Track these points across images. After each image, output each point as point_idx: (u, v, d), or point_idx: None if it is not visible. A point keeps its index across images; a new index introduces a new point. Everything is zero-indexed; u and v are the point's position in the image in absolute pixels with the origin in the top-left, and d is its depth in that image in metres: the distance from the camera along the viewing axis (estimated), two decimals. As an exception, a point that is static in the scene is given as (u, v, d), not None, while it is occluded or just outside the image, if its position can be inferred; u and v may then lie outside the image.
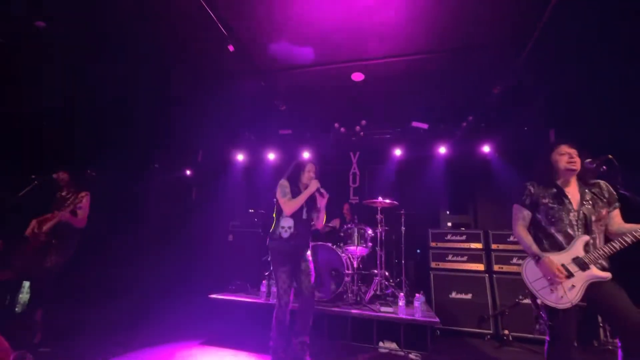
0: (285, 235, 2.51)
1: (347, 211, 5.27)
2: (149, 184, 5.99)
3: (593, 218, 2.13)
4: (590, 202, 2.16)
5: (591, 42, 3.16)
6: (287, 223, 2.50)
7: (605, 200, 2.17)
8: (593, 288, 2.05)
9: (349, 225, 4.42)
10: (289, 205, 2.50)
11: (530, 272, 2.16)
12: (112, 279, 4.94)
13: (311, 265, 2.54)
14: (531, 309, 3.77)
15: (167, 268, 5.48)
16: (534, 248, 2.19)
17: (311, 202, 2.67)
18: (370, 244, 4.39)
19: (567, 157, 2.19)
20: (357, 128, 5.68)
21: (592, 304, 2.04)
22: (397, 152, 5.81)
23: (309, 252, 2.60)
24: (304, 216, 2.59)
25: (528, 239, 2.21)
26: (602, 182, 2.20)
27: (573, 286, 2.04)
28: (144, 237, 5.59)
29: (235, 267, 5.09)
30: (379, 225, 4.48)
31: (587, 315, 3.10)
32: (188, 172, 6.59)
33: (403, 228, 4.65)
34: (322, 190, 2.59)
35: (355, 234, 4.31)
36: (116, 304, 4.50)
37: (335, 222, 5.12)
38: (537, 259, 2.14)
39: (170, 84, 4.47)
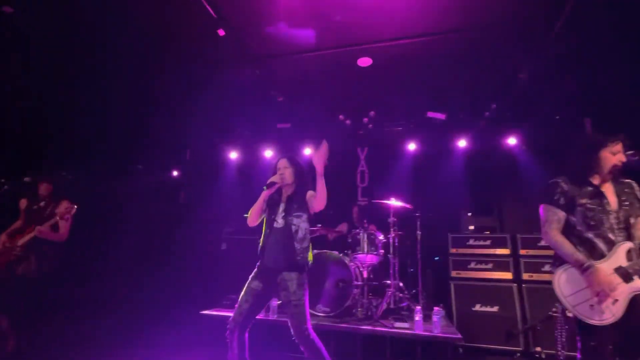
0: (259, 250, 2.46)
1: (356, 215, 5.25)
2: (131, 187, 6.02)
3: (631, 220, 2.09)
4: (627, 202, 2.12)
5: (636, 13, 3.07)
6: (263, 235, 2.49)
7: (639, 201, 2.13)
8: (631, 302, 2.00)
9: (357, 230, 4.41)
10: (249, 214, 2.45)
11: (565, 284, 2.07)
12: (91, 293, 4.95)
13: (304, 301, 2.28)
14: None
15: (153, 281, 5.49)
16: (579, 256, 2.08)
17: (290, 202, 2.47)
18: (381, 251, 4.39)
19: (619, 156, 2.13)
20: (365, 120, 5.68)
21: (623, 320, 1.97)
22: (411, 146, 5.80)
23: (293, 279, 2.31)
24: (278, 223, 2.43)
25: (568, 246, 2.11)
26: (631, 181, 2.17)
27: (616, 300, 1.98)
28: (126, 246, 5.61)
29: (229, 279, 5.10)
30: (392, 230, 4.47)
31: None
32: (175, 173, 6.62)
33: (419, 232, 4.64)
34: (273, 181, 2.43)
35: (365, 239, 4.30)
36: (96, 321, 4.51)
37: (343, 227, 5.14)
38: (585, 269, 2.04)
39: (153, 75, 4.46)
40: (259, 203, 2.48)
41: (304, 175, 2.59)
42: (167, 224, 6.08)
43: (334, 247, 4.81)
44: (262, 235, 2.51)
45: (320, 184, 2.35)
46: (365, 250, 4.27)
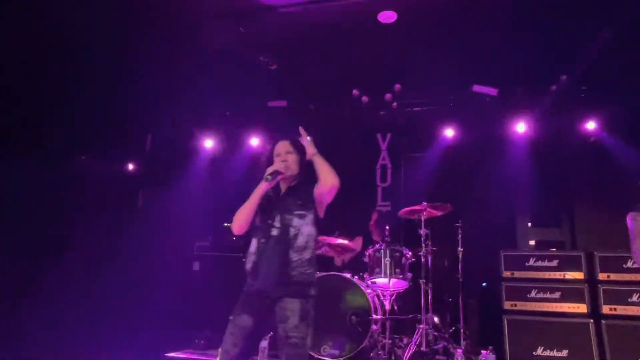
0: (248, 267, 2.44)
1: (374, 224, 5.27)
2: (72, 184, 5.93)
3: None
4: None
5: None
6: (251, 247, 2.47)
7: None
8: None
9: (378, 246, 4.42)
10: (235, 218, 2.49)
11: None
12: (14, 325, 4.90)
13: (308, 341, 2.31)
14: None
15: (100, 311, 5.41)
16: None
17: (292, 197, 2.50)
18: (409, 274, 4.40)
19: None
20: (388, 97, 5.65)
21: None
22: (449, 132, 5.76)
23: (295, 309, 2.32)
24: (275, 230, 2.44)
25: None
26: None
27: None
28: (65, 264, 5.48)
29: (204, 311, 5.08)
30: (424, 246, 4.49)
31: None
32: (131, 167, 6.58)
33: (460, 249, 4.65)
34: (273, 170, 2.46)
35: (387, 258, 4.31)
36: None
37: (357, 243, 5.13)
38: None
39: (102, 37, 4.40)
40: (253, 200, 2.45)
41: (309, 166, 2.56)
42: (117, 236, 6.01)
43: (344, 269, 4.73)
44: (253, 248, 2.46)
45: (320, 160, 2.45)
46: (388, 272, 4.26)
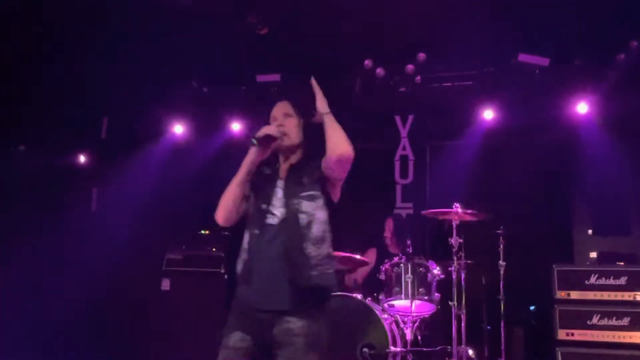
0: (239, 269, 2.41)
1: (391, 232, 5.33)
2: (5, 180, 5.96)
3: None
4: None
5: None
6: (243, 241, 2.45)
7: None
8: None
9: (396, 259, 4.46)
10: (220, 203, 2.50)
11: None
12: None
13: None
14: None
15: (42, 340, 5.49)
16: None
17: (296, 176, 2.47)
18: (437, 294, 4.42)
19: None
20: (409, 69, 5.65)
21: None
22: (488, 114, 5.76)
23: (303, 330, 2.20)
24: (275, 215, 2.39)
25: None
26: None
27: None
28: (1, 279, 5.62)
29: (178, 341, 5.13)
30: (455, 259, 4.49)
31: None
32: (83, 160, 6.60)
33: (502, 263, 4.68)
34: (269, 134, 2.40)
35: (409, 275, 4.33)
36: None
37: (371, 256, 5.18)
38: None
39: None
40: (240, 175, 2.43)
41: (317, 133, 2.48)
42: (62, 246, 6.03)
43: (357, 288, 4.73)
44: (245, 243, 2.41)
45: (331, 122, 2.38)
46: (410, 293, 4.27)
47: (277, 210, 2.36)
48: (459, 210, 4.43)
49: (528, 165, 5.52)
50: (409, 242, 4.60)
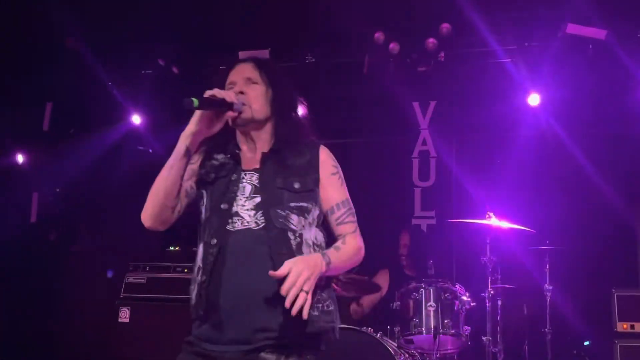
0: (193, 296, 2.30)
1: (407, 249, 5.35)
2: None
3: None
4: None
5: None
6: (197, 258, 2.31)
7: None
8: None
9: (415, 283, 4.46)
10: (148, 197, 2.33)
11: None
12: None
13: None
14: None
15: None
16: None
17: (278, 170, 2.33)
18: (466, 328, 4.41)
19: None
20: (430, 44, 5.59)
21: None
22: (533, 99, 5.72)
23: None
24: (244, 220, 2.24)
25: None
26: None
27: None
28: None
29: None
30: (489, 282, 4.47)
31: None
32: (21, 160, 6.57)
33: (549, 287, 4.65)
34: (211, 95, 2.15)
35: (431, 303, 4.33)
36: None
37: (383, 279, 5.20)
38: None
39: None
40: (175, 159, 2.26)
41: (290, 114, 2.43)
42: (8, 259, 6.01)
43: (366, 320, 4.69)
44: (199, 261, 2.28)
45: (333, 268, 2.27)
46: (433, 325, 4.26)
47: (248, 214, 2.24)
48: (494, 220, 4.39)
49: (582, 164, 5.47)
50: (430, 261, 4.57)
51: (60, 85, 6.25)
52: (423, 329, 4.28)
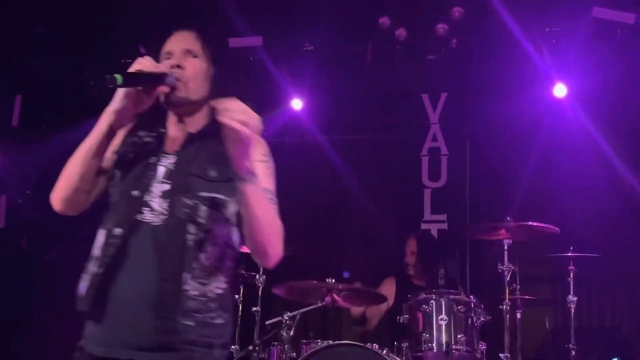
0: (82, 290, 2.19)
1: (415, 256, 5.34)
2: None
3: None
4: None
5: None
6: (95, 247, 2.21)
7: None
8: None
9: (424, 294, 4.47)
10: (60, 178, 2.24)
11: None
12: None
13: None
14: None
15: None
16: None
17: (196, 152, 2.25)
18: (481, 344, 4.44)
19: None
20: (440, 29, 5.61)
21: None
22: (559, 90, 5.71)
23: None
24: (150, 212, 2.17)
25: None
26: None
27: None
28: None
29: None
30: (507, 292, 4.45)
31: None
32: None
33: (573, 299, 4.63)
34: (154, 73, 2.11)
35: (443, 316, 4.34)
36: None
37: (388, 288, 5.25)
38: None
39: None
40: (94, 139, 2.20)
41: (235, 83, 2.32)
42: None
43: (370, 335, 4.69)
44: (98, 247, 2.20)
45: (256, 194, 2.09)
46: (445, 341, 4.27)
47: (157, 203, 2.17)
48: (512, 224, 4.39)
49: (612, 162, 5.47)
50: (441, 270, 4.56)
51: (30, 75, 6.24)
52: (434, 344, 4.27)
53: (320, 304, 4.63)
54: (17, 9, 5.48)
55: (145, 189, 2.16)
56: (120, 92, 2.10)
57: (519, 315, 4.54)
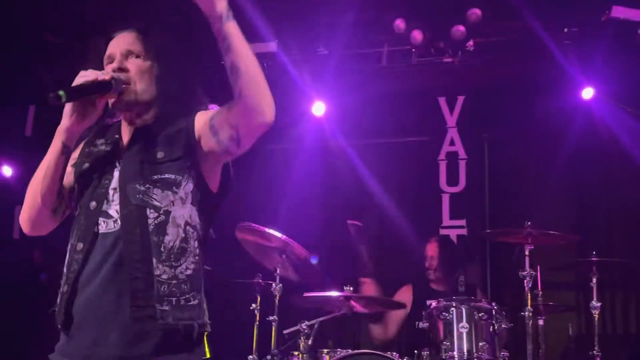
0: (56, 307, 2.21)
1: (435, 262, 5.31)
2: None
3: None
4: None
5: None
6: (65, 264, 2.23)
7: None
8: None
9: (444, 302, 4.45)
10: (25, 200, 2.28)
11: None
12: None
13: None
14: None
15: None
16: None
17: (145, 146, 2.23)
18: (504, 351, 4.40)
19: None
20: (457, 31, 5.59)
21: None
22: (587, 93, 5.65)
23: None
24: (106, 222, 2.16)
25: None
26: None
27: None
28: None
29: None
30: (528, 299, 4.40)
31: None
32: (9, 173, 6.65)
33: (596, 304, 4.56)
34: (83, 82, 2.06)
35: (463, 324, 4.33)
36: None
37: (406, 295, 5.25)
38: None
39: None
40: (50, 158, 2.21)
41: (180, 89, 2.27)
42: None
43: (389, 343, 4.68)
44: (65, 268, 2.22)
45: (238, 37, 2.00)
46: (466, 349, 4.27)
47: (114, 209, 2.16)
48: (533, 231, 4.35)
49: (637, 166, 5.38)
50: (461, 276, 4.55)
51: (43, 86, 6.18)
52: (455, 353, 4.25)
53: (338, 313, 4.66)
54: (29, 19, 5.55)
55: (103, 198, 2.15)
56: (67, 108, 2.11)
57: (541, 322, 4.49)
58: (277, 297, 4.63)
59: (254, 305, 4.87)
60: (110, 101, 2.18)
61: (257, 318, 4.86)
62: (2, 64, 5.98)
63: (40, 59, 5.96)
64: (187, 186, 2.18)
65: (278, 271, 4.64)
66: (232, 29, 1.97)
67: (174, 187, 2.15)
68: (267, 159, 6.28)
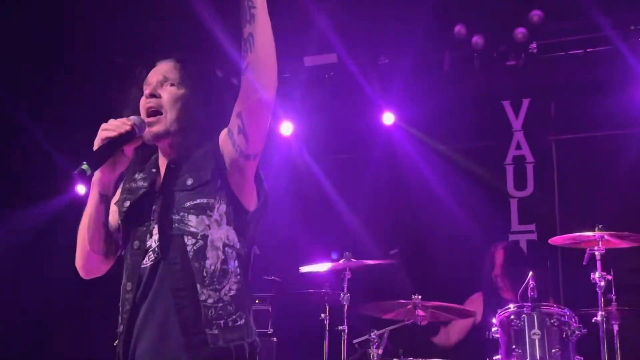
0: (116, 348, 2.30)
1: (503, 269, 5.33)
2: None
3: None
4: None
5: None
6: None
7: None
8: None
9: (515, 309, 4.43)
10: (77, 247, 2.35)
11: None
12: None
13: None
14: None
15: None
16: None
17: (175, 175, 2.26)
18: (578, 357, 4.35)
19: None
20: (519, 34, 5.58)
21: None
22: None
23: None
24: (150, 256, 2.20)
25: None
26: None
27: None
28: None
29: None
30: (602, 304, 4.36)
31: None
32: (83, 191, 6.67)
33: None
34: (106, 137, 2.06)
35: (535, 330, 4.29)
36: None
37: (476, 304, 5.28)
38: None
39: None
40: (91, 207, 2.27)
41: (214, 115, 2.30)
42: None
43: (453, 351, 4.71)
44: (120, 308, 2.27)
45: (263, 17, 2.04)
46: (539, 355, 4.24)
47: (155, 242, 2.20)
48: (605, 234, 4.31)
49: None
50: (531, 282, 4.45)
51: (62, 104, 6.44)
52: (527, 358, 4.22)
53: (407, 321, 4.68)
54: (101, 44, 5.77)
55: (145, 234, 2.21)
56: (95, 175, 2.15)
57: (616, 328, 4.42)
58: (346, 307, 4.70)
59: (323, 315, 4.93)
60: (133, 146, 2.21)
61: (327, 328, 4.94)
62: (76, 89, 6.19)
63: (111, 81, 6.03)
64: (221, 207, 2.20)
65: (346, 279, 4.72)
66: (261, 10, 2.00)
67: (207, 211, 2.18)
68: (334, 170, 6.38)
